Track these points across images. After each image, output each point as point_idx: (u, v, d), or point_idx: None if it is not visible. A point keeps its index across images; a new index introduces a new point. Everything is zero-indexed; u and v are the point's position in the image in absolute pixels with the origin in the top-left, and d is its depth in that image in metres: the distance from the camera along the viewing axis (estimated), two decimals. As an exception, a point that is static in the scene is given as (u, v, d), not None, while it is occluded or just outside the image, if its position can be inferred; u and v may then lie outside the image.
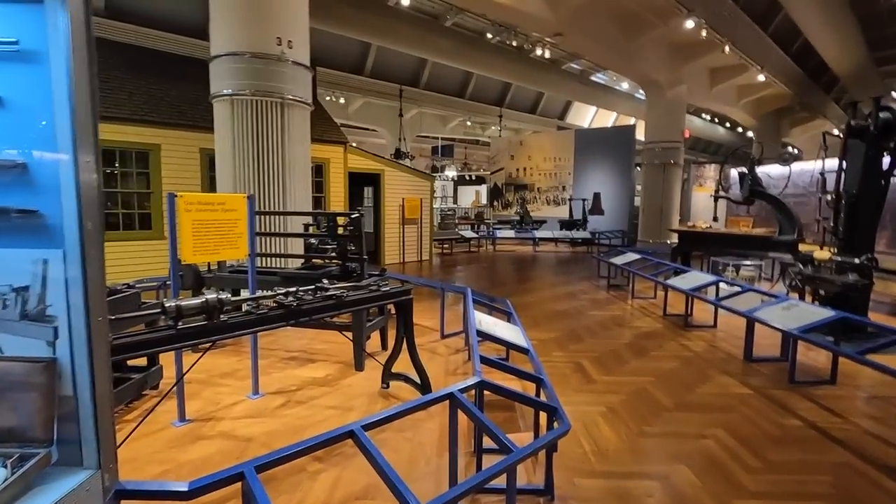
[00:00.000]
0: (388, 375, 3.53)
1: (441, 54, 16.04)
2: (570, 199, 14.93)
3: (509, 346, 3.16)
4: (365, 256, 4.00)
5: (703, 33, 10.54)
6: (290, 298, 2.60)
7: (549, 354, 4.41)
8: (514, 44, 13.17)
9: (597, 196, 14.96)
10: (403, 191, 10.36)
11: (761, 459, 2.65)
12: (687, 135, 15.47)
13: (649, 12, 11.03)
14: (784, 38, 14.85)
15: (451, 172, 27.17)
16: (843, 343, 4.38)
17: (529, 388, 3.15)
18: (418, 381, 3.31)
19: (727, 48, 11.56)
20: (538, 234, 13.41)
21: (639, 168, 14.65)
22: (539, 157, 16.63)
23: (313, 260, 4.50)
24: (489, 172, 18.56)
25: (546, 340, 4.86)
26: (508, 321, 4.03)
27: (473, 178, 28.02)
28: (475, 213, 17.92)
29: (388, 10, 13.00)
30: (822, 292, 5.08)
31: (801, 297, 5.27)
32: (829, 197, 5.11)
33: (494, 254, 12.80)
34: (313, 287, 2.74)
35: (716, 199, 7.42)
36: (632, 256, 7.57)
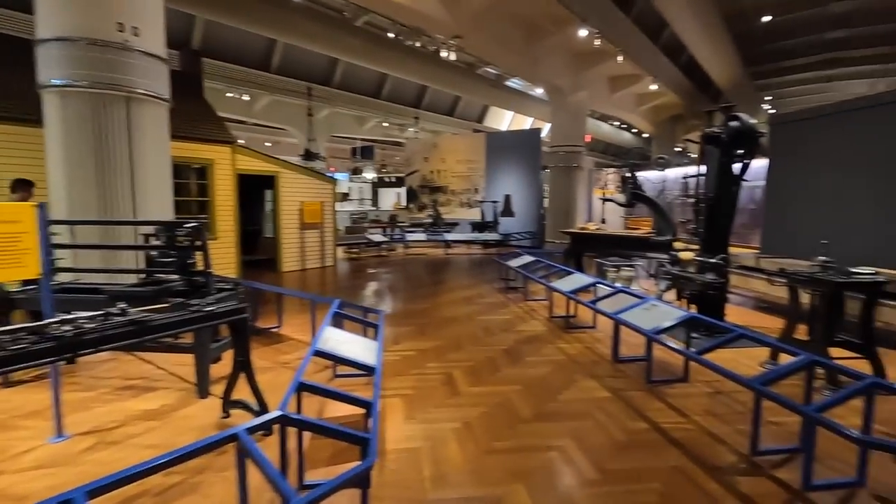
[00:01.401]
0: (227, 403, 3.16)
1: (350, 53, 15.59)
2: (482, 202, 15.07)
3: (352, 364, 2.92)
4: (210, 269, 3.59)
5: (598, 42, 11.01)
6: (67, 328, 2.18)
7: (422, 366, 4.23)
8: (418, 45, 13.04)
9: (507, 198, 15.23)
10: (303, 194, 9.84)
11: (600, 470, 2.62)
12: (588, 139, 16.22)
13: (548, 20, 11.35)
14: (673, 51, 16.00)
15: (369, 174, 26.67)
16: (702, 340, 4.62)
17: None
18: (257, 407, 2.98)
19: (620, 58, 12.19)
20: (450, 236, 13.38)
21: (546, 171, 15.10)
22: (452, 160, 16.65)
23: (157, 275, 4.00)
24: (404, 175, 18.34)
25: (426, 350, 4.69)
26: (375, 336, 3.80)
27: (394, 179, 27.73)
28: (388, 216, 17.59)
29: (293, 5, 12.37)
30: (687, 291, 5.37)
31: (679, 297, 5.54)
32: (690, 200, 5.40)
33: (405, 257, 12.59)
34: (103, 312, 2.33)
35: (603, 201, 7.71)
36: (527, 259, 7.66)
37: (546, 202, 15.51)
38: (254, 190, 10.82)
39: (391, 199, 28.37)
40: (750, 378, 2.77)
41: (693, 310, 5.39)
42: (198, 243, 3.55)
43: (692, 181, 5.43)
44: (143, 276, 4.00)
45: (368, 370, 2.88)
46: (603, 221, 7.83)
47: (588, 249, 7.63)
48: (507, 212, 15.15)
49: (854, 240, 5.95)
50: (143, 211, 4.85)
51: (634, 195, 7.04)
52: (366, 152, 29.23)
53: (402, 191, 19.17)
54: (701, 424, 3.16)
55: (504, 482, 2.50)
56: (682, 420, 3.23)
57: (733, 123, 5.07)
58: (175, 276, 3.70)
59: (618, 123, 28.41)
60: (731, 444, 2.91)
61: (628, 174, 7.12)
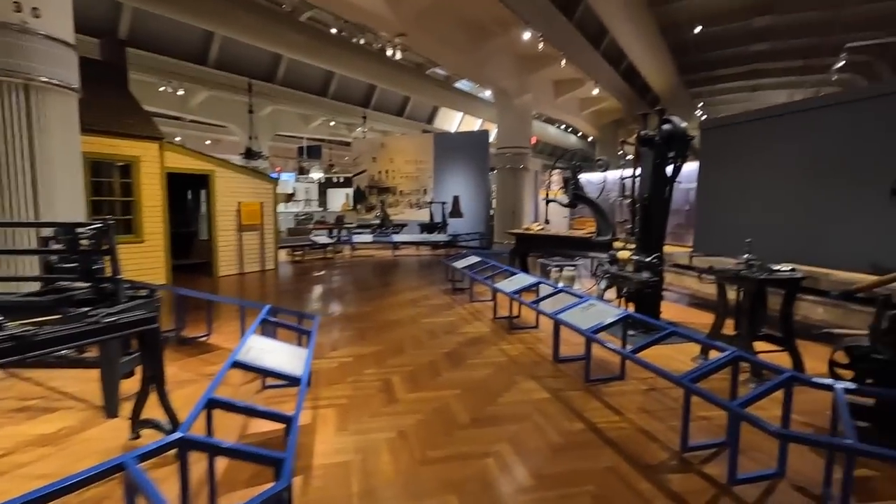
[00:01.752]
0: (137, 423, 2.86)
1: (294, 49, 15.09)
2: (431, 203, 14.98)
3: (273, 375, 2.71)
4: (119, 275, 3.25)
5: (542, 45, 11.19)
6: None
7: (360, 373, 4.06)
8: (363, 42, 12.79)
9: (456, 199, 15.22)
10: (240, 194, 9.36)
11: (536, 476, 2.56)
12: (534, 141, 16.53)
13: (493, 21, 11.43)
14: (614, 57, 16.57)
15: (316, 174, 25.99)
16: (638, 337, 4.72)
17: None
18: (169, 426, 2.72)
19: (564, 62, 12.46)
20: (398, 237, 13.19)
21: (494, 172, 15.21)
22: (401, 160, 16.47)
23: (60, 282, 3.60)
24: (351, 175, 17.96)
25: (365, 356, 4.51)
26: (308, 343, 3.59)
27: (342, 180, 27.14)
28: (335, 218, 17.17)
29: (230, -6, 11.78)
30: (625, 289, 5.49)
31: (619, 295, 5.65)
32: (627, 201, 5.53)
33: (351, 260, 12.29)
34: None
35: (547, 202, 7.80)
36: (473, 259, 7.62)
37: (494, 203, 15.63)
38: (188, 190, 10.21)
39: (340, 199, 27.78)
40: (680, 375, 2.81)
41: (631, 308, 5.52)
42: (105, 246, 3.21)
43: (629, 182, 5.56)
44: (45, 283, 3.59)
45: (293, 381, 2.69)
46: (547, 222, 7.93)
47: (532, 250, 7.70)
48: (456, 213, 15.14)
49: (777, 238, 6.30)
50: (49, 211, 4.39)
51: (576, 196, 7.15)
52: (313, 152, 28.49)
53: (351, 191, 18.78)
54: (635, 422, 3.19)
55: (437, 494, 2.39)
56: (617, 419, 3.24)
57: (666, 126, 5.23)
58: (81, 284, 3.34)
59: (564, 126, 29.19)
60: (663, 441, 2.94)
61: (569, 175, 7.23)
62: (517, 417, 3.24)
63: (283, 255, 12.25)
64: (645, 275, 5.12)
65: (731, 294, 4.36)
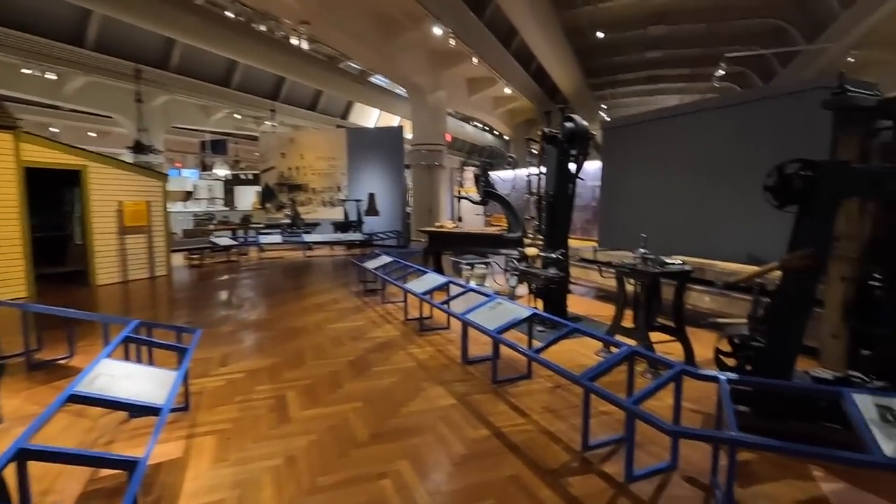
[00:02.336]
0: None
1: (188, 34, 13.85)
2: (345, 200, 14.45)
3: (122, 407, 2.29)
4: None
5: (453, 42, 11.15)
6: None
7: (251, 391, 3.66)
8: (264, 29, 11.98)
9: (371, 197, 14.82)
10: (122, 192, 8.33)
11: (435, 493, 2.38)
12: (449, 138, 16.57)
13: (404, 15, 11.19)
14: (524, 58, 17.06)
15: (221, 171, 24.21)
16: (547, 334, 4.73)
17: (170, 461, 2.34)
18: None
19: (475, 60, 12.54)
20: (309, 237, 12.54)
21: (409, 169, 15.01)
22: (312, 156, 15.72)
23: None
24: (259, 171, 16.87)
25: (259, 370, 4.10)
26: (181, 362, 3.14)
27: (251, 177, 25.49)
28: (241, 217, 16.05)
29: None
30: (533, 286, 5.53)
31: (530, 291, 5.68)
32: (534, 198, 5.57)
33: (259, 262, 11.48)
34: None
35: (458, 199, 7.72)
36: (385, 259, 7.35)
37: (411, 201, 15.43)
38: (61, 188, 8.89)
39: (250, 198, 26.11)
40: (578, 374, 2.78)
41: (540, 304, 5.58)
42: None
43: (535, 179, 5.60)
44: None
45: (150, 411, 2.28)
46: (459, 220, 7.88)
47: (446, 248, 7.60)
48: (372, 211, 14.74)
49: (672, 232, 6.70)
50: None
51: (487, 193, 7.16)
52: (217, 147, 26.52)
53: (259, 189, 17.64)
54: (540, 423, 3.13)
55: (322, 529, 2.13)
56: (522, 421, 3.17)
57: (568, 125, 5.32)
58: None
59: (480, 125, 29.71)
60: (566, 441, 2.90)
61: (480, 173, 7.21)
62: (420, 429, 3.05)
63: (178, 259, 11.17)
64: (551, 271, 5.18)
65: (630, 287, 4.51)
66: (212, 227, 13.19)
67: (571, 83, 19.99)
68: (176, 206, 18.76)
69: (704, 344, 4.46)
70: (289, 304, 6.82)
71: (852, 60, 11.76)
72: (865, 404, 2.16)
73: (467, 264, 6.31)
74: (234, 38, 13.67)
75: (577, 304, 6.87)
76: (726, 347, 3.29)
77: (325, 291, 7.72)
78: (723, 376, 2.43)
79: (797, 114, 5.29)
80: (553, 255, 5.16)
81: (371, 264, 7.34)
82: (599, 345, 4.61)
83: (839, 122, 3.81)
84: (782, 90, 5.92)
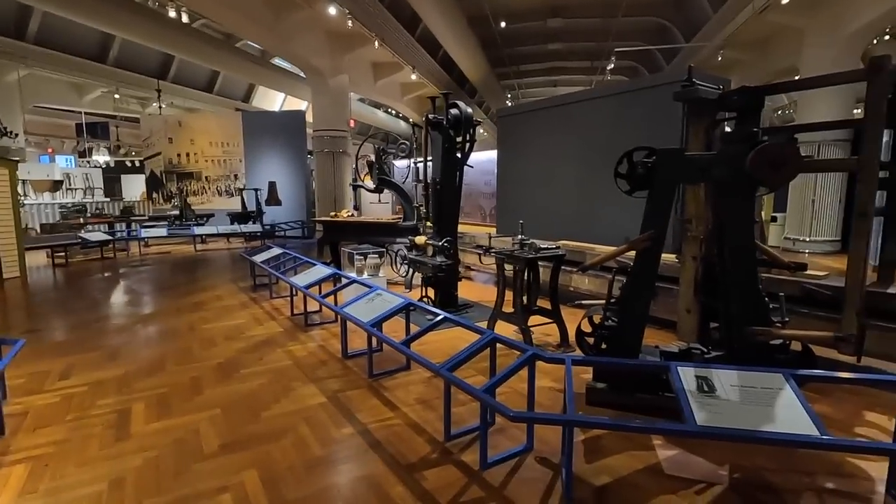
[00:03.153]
0: None
1: (47, 1, 12.05)
2: (242, 189, 13.53)
3: None
4: None
5: (350, 23, 10.71)
6: None
7: (90, 406, 3.23)
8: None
9: (272, 185, 14.01)
10: (-48, 181, 7.07)
11: (278, 503, 2.22)
12: (353, 124, 16.08)
13: (294, -9, 10.55)
14: (430, 45, 16.91)
15: (101, 157, 21.68)
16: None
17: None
18: None
19: (377, 44, 12.18)
20: (202, 230, 11.59)
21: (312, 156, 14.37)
22: (204, 141, 14.51)
23: None
24: (143, 158, 15.28)
25: (106, 381, 3.64)
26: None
27: (139, 164, 23.09)
28: (122, 208, 14.49)
29: None
30: (424, 274, 5.47)
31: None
32: (421, 185, 5.49)
33: (141, 258, 10.40)
34: None
35: (353, 188, 7.47)
36: (275, 252, 6.94)
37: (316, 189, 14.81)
38: None
39: (139, 187, 23.70)
40: (439, 364, 2.74)
41: (431, 292, 5.54)
42: None
43: (422, 167, 5.52)
44: None
45: None
46: (356, 208, 7.62)
47: (341, 238, 7.32)
48: (273, 200, 13.95)
49: (561, 217, 6.97)
50: None
51: (381, 180, 6.97)
52: (97, 130, 23.74)
53: (144, 178, 15.98)
54: (409, 416, 3.07)
55: (135, 561, 1.89)
56: (391, 415, 3.08)
57: (453, 111, 5.28)
58: None
59: (394, 112, 29.23)
60: (430, 432, 2.86)
61: (373, 160, 7.01)
62: (278, 433, 2.86)
63: (41, 258, 9.84)
64: (438, 259, 5.15)
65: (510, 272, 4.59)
66: (82, 220, 11.70)
67: (478, 72, 20.22)
68: (43, 198, 16.46)
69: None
70: (163, 303, 6.21)
71: (720, 59, 12.97)
72: (687, 376, 2.32)
73: (360, 255, 6.11)
74: (101, 7, 12.12)
75: (477, 290, 6.97)
76: (587, 328, 3.43)
77: (210, 288, 7.15)
78: (568, 357, 2.50)
79: (664, 105, 5.67)
80: (439, 244, 5.12)
81: (260, 257, 6.89)
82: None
83: (689, 113, 4.10)
84: (649, 83, 6.32)
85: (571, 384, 2.32)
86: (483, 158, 9.99)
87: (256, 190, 13.24)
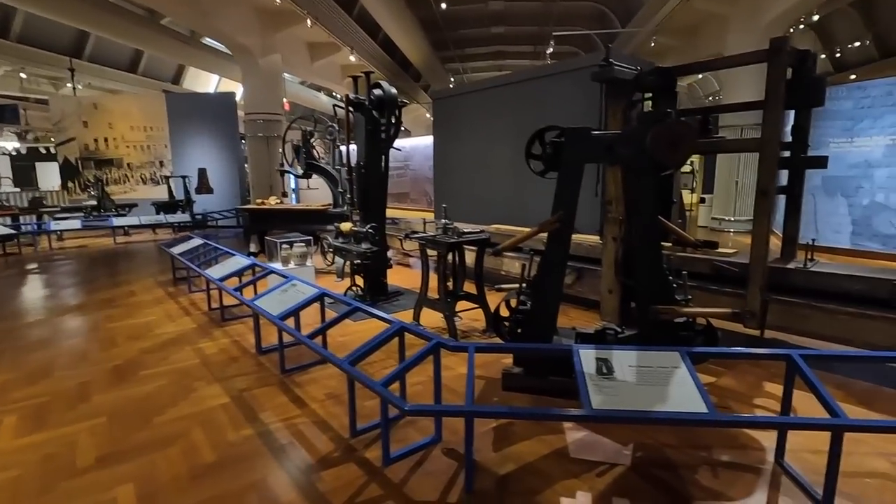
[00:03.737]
0: None
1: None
2: (169, 177, 12.68)
3: None
4: None
5: (278, 0, 10.14)
6: None
7: (-52, 422, 2.85)
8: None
9: (202, 172, 13.23)
10: None
11: (151, 520, 2.01)
12: (288, 107, 15.41)
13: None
14: (369, 25, 16.39)
15: (9, 143, 19.74)
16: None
17: None
18: None
19: (310, 22, 11.63)
20: (121, 221, 10.76)
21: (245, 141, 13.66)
22: (124, 126, 13.45)
23: None
24: (55, 144, 13.99)
25: (-23, 392, 3.24)
26: None
27: (54, 150, 21.19)
28: (31, 199, 13.25)
29: None
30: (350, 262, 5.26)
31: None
32: (345, 169, 5.25)
33: (51, 253, 9.53)
34: None
35: (281, 173, 7.11)
36: (195, 242, 6.50)
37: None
38: None
39: (57, 177, 21.78)
40: (342, 357, 2.58)
41: (359, 280, 5.35)
42: None
43: (347, 151, 5.27)
44: None
45: None
46: (284, 195, 7.26)
47: (269, 226, 6.97)
48: (204, 188, 13.19)
49: (494, 202, 6.92)
50: None
51: (309, 165, 6.66)
52: (4, 113, 21.55)
53: (58, 165, 14.64)
54: (316, 413, 2.90)
55: None
56: (297, 413, 2.91)
57: (376, 91, 5.05)
58: None
59: (338, 95, 28.29)
60: (337, 429, 2.71)
61: (301, 143, 6.68)
62: (167, 440, 2.62)
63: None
64: (364, 246, 4.95)
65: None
66: (-18, 213, 10.58)
67: (420, 55, 19.86)
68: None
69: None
70: (66, 302, 5.68)
71: (654, 45, 13.33)
72: (587, 359, 2.28)
73: (286, 243, 5.81)
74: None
75: (414, 278, 6.82)
76: (507, 312, 3.37)
77: (124, 283, 6.63)
78: (471, 345, 2.41)
79: (591, 87, 5.67)
80: (364, 230, 4.92)
81: (179, 248, 6.44)
82: (409, 318, 4.55)
83: (608, 93, 4.09)
84: (576, 65, 6.33)
85: (473, 373, 2.23)
86: (429, 143, 9.81)
87: (184, 177, 12.44)
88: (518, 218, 6.42)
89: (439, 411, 2.44)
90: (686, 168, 18.65)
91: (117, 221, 10.53)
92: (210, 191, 13.15)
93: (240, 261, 5.03)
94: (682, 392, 2.06)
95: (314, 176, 7.05)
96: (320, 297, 3.58)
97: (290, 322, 3.39)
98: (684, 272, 2.94)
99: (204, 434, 2.68)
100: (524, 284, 3.09)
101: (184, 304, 5.50)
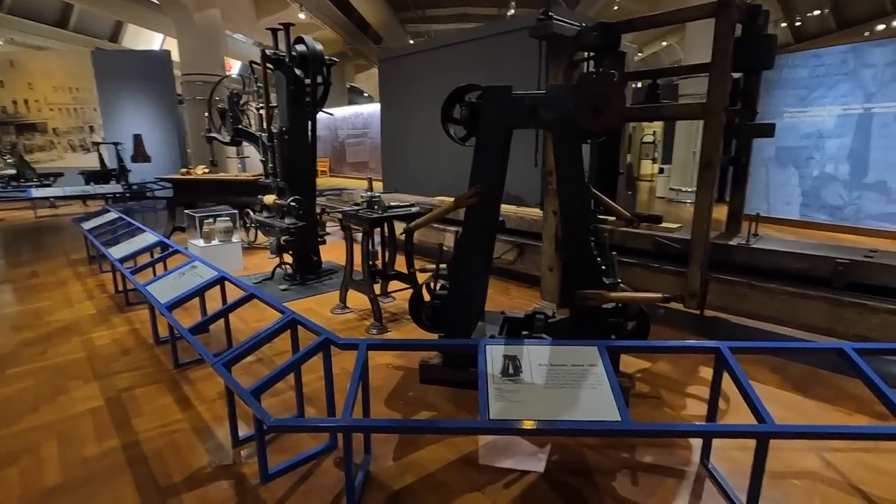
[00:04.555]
0: None
1: None
2: (99, 144, 11.64)
3: None
4: None
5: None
6: None
7: None
8: None
9: (138, 138, 12.18)
10: None
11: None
12: (229, 68, 14.35)
13: None
14: (321, -21, 15.28)
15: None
16: (290, 292, 4.13)
17: None
18: None
19: (249, -27, 10.63)
20: (42, 192, 9.81)
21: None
22: (47, 86, 12.22)
23: None
24: (-33, 105, 12.62)
25: None
26: None
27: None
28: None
29: None
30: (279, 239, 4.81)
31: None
32: (264, 135, 4.74)
33: (-42, 228, 8.63)
34: None
35: (208, 140, 6.47)
36: (111, 216, 5.87)
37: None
38: None
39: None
40: (215, 354, 2.20)
41: (287, 258, 4.92)
42: None
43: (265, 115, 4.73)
44: None
45: None
46: (213, 163, 6.64)
47: (196, 198, 6.37)
48: (141, 156, 12.18)
49: (445, 172, 6.50)
50: None
51: (237, 131, 6.05)
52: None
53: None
54: (202, 417, 2.53)
55: None
56: (179, 418, 2.52)
57: (299, 47, 4.51)
58: None
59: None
60: (220, 437, 2.35)
61: (228, 107, 6.04)
62: (10, 458, 2.20)
63: None
64: (287, 220, 4.50)
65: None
66: None
67: (378, 15, 18.80)
68: None
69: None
70: (-47, 285, 5.04)
71: (616, 9, 12.89)
72: (494, 356, 1.97)
73: (208, 217, 5.28)
74: None
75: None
76: (428, 297, 3.04)
77: (29, 263, 5.98)
78: (363, 342, 2.06)
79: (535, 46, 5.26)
80: (286, 203, 4.46)
81: (91, 223, 5.80)
82: (333, 301, 4.19)
83: (548, 52, 3.69)
84: (522, 23, 5.88)
85: (359, 372, 1.89)
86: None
87: (117, 144, 11.42)
88: (464, 189, 6.05)
89: (304, 427, 2.11)
90: (648, 138, 18.61)
91: (37, 192, 9.58)
92: (147, 159, 12.16)
93: (148, 237, 4.51)
94: (596, 396, 1.79)
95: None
96: (219, 282, 3.16)
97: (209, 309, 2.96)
98: (614, 253, 2.66)
99: (57, 448, 2.27)
100: (443, 266, 2.75)
101: (90, 286, 4.95)
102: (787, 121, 7.83)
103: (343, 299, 4.10)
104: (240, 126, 6.07)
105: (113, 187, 10.66)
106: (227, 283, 3.15)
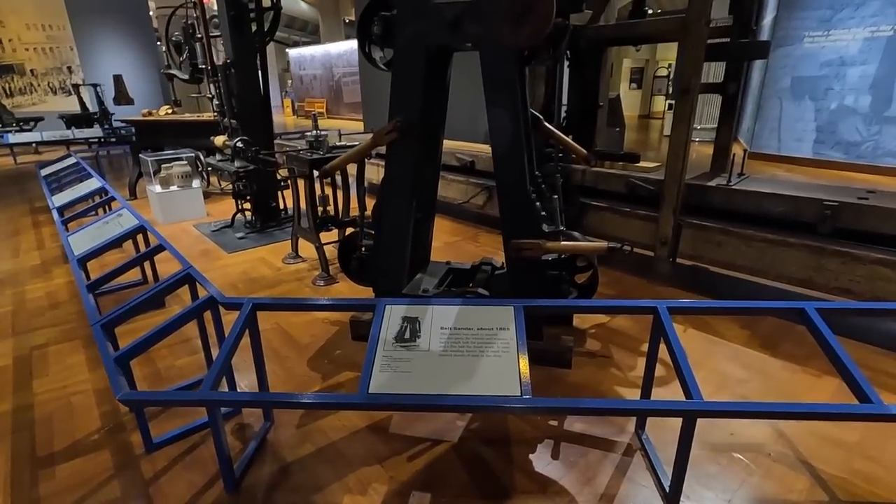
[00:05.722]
0: None
1: None
2: (79, 86, 11.19)
3: None
4: None
5: None
6: None
7: None
8: None
9: (118, 79, 11.66)
10: None
11: None
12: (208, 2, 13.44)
13: None
14: None
15: None
16: (248, 239, 3.89)
17: None
18: None
19: None
20: (18, 137, 9.53)
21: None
22: (19, 24, 11.61)
23: None
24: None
25: None
26: None
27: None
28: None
29: None
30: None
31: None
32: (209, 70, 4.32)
33: (-64, 176, 8.46)
34: None
35: (169, 77, 6.04)
36: (69, 161, 5.60)
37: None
38: None
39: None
40: (98, 317, 1.98)
41: (246, 205, 4.65)
42: None
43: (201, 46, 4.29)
44: None
45: None
46: (176, 103, 6.24)
47: (159, 141, 6.03)
48: (123, 98, 11.71)
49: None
50: None
51: (195, 68, 5.59)
52: None
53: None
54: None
55: None
56: (85, 377, 2.36)
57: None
58: None
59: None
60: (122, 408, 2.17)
61: (181, 41, 5.57)
62: None
63: None
64: (237, 163, 4.18)
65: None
66: None
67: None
68: None
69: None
70: None
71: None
72: (393, 318, 1.71)
73: (164, 161, 4.97)
74: None
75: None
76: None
77: (-8, 211, 5.80)
78: (249, 301, 1.81)
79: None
80: (232, 144, 4.12)
81: (48, 169, 5.55)
82: (288, 249, 3.94)
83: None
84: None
85: (234, 336, 1.65)
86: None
87: (96, 86, 10.98)
88: (465, 132, 5.60)
89: (167, 400, 1.90)
90: (662, 71, 17.42)
91: (13, 138, 9.30)
92: (130, 101, 11.68)
93: (92, 184, 4.24)
94: (498, 365, 1.53)
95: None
96: (139, 231, 2.90)
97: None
98: (556, 196, 2.31)
99: (-62, 415, 2.12)
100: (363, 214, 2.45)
101: (44, 235, 4.77)
102: (806, 46, 7.06)
103: (295, 248, 3.85)
104: (196, 62, 5.61)
105: (94, 131, 10.32)
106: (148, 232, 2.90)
